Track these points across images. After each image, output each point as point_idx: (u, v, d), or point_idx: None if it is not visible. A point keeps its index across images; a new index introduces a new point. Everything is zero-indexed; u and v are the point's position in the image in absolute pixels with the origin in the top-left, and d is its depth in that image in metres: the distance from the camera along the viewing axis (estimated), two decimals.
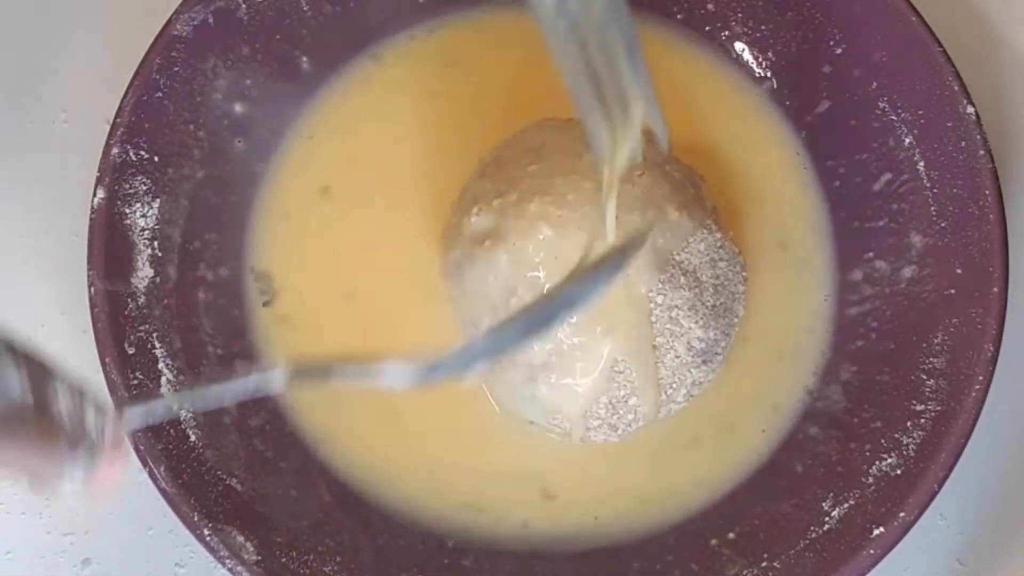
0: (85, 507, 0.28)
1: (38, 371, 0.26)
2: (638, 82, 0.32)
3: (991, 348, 0.41)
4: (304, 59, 0.49)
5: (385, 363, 0.29)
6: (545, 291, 0.32)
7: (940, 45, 0.44)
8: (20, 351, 0.25)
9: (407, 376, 0.29)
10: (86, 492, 0.27)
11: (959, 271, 0.43)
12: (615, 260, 0.32)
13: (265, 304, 0.45)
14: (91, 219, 0.43)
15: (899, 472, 0.41)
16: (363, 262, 0.47)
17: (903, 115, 0.45)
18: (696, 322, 0.40)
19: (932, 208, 0.44)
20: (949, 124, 0.43)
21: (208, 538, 0.39)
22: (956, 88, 0.43)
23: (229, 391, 0.29)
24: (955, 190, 0.43)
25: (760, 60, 0.49)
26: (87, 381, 0.28)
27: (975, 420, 0.40)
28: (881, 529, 0.39)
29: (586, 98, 0.32)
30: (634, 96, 0.32)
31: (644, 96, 0.32)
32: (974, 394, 0.40)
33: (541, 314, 0.31)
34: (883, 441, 0.42)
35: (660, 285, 0.40)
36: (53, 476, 0.26)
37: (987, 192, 0.42)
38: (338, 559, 0.41)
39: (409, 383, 0.29)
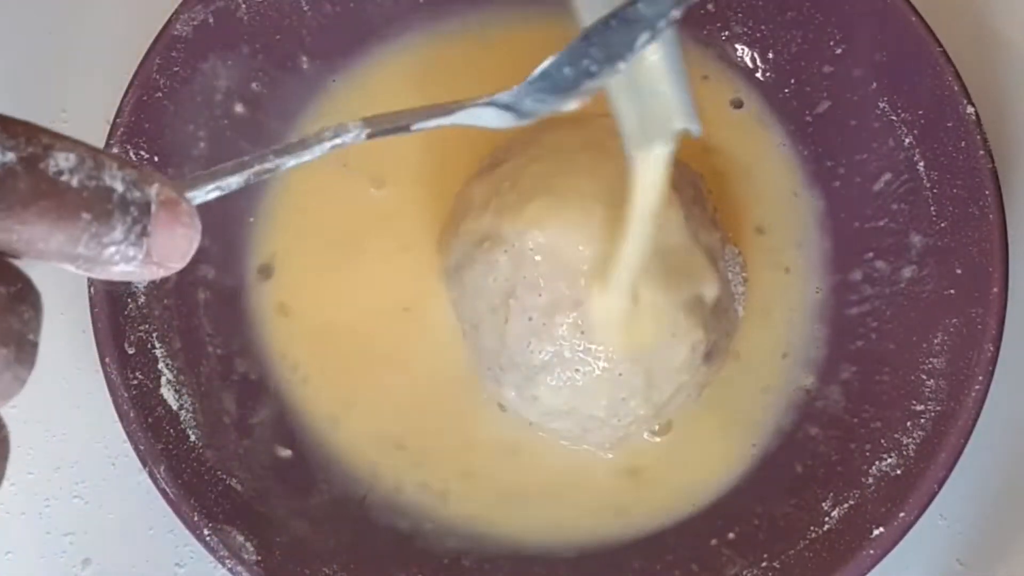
0: (150, 275, 0.24)
1: (20, 129, 0.22)
2: (680, 98, 0.32)
3: (991, 348, 0.41)
4: (304, 59, 0.49)
5: (467, 105, 0.28)
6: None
7: (940, 45, 0.44)
8: None
9: (493, 116, 0.28)
10: (145, 264, 0.24)
11: (959, 271, 0.42)
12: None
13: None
14: None
15: (899, 472, 0.41)
16: (363, 263, 0.47)
17: (903, 115, 0.45)
18: (696, 323, 0.40)
19: (932, 208, 0.44)
20: (949, 124, 0.43)
21: (208, 538, 0.39)
22: (956, 88, 0.43)
23: (304, 150, 0.26)
24: (955, 190, 0.43)
25: (760, 60, 0.49)
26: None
27: (975, 420, 0.40)
28: (881, 529, 0.39)
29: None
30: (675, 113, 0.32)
31: (685, 113, 0.32)
32: (974, 394, 0.40)
33: (619, 27, 0.27)
34: (883, 441, 0.42)
35: (659, 286, 0.40)
36: (94, 251, 0.23)
37: (987, 192, 0.42)
38: (338, 559, 0.41)
39: (499, 122, 0.28)
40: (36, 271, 0.23)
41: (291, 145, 0.26)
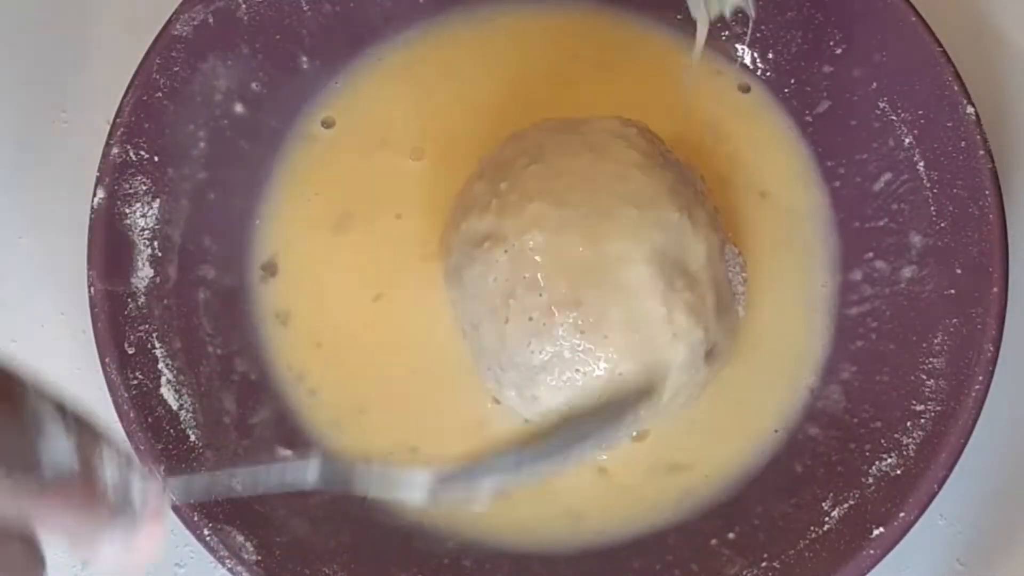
0: (129, 562, 0.27)
1: (87, 437, 0.25)
2: None
3: (991, 348, 0.41)
4: (304, 59, 0.49)
5: (405, 473, 0.31)
6: (565, 415, 0.35)
7: (940, 45, 0.44)
8: (70, 415, 0.25)
9: (423, 489, 0.31)
10: (124, 559, 0.26)
11: (959, 271, 0.43)
12: (635, 404, 0.36)
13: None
14: (91, 219, 0.43)
15: (899, 472, 0.41)
16: (363, 263, 0.47)
17: (903, 115, 0.45)
18: (696, 323, 0.40)
19: (932, 208, 0.44)
20: (949, 124, 0.43)
21: (208, 538, 0.39)
22: (956, 88, 0.43)
23: (264, 479, 0.30)
24: (955, 190, 0.43)
25: (760, 60, 0.49)
26: (116, 434, 0.27)
27: (975, 420, 0.40)
28: (881, 529, 0.39)
29: None
30: None
31: None
32: (974, 394, 0.40)
33: (560, 444, 0.32)
34: (883, 441, 0.42)
35: (660, 287, 0.40)
36: (92, 539, 0.26)
37: (987, 192, 0.42)
38: (338, 559, 0.41)
39: (423, 497, 0.31)
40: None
41: (257, 470, 0.30)
